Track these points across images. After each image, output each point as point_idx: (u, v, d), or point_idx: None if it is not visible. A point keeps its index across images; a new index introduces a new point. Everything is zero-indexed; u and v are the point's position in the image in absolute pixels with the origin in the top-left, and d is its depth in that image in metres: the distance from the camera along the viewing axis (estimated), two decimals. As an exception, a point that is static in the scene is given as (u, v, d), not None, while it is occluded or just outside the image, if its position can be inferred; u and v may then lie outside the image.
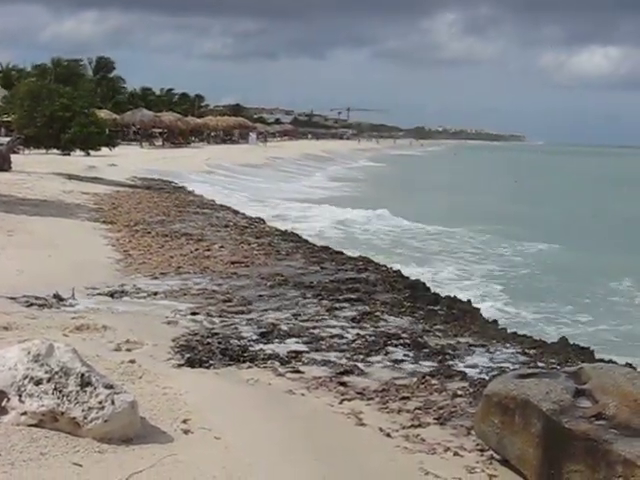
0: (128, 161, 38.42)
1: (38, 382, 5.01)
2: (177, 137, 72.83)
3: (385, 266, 14.32)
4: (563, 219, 34.63)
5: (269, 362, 7.72)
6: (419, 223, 28.53)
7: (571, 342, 9.66)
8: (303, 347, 8.37)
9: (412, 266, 18.29)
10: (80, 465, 4.63)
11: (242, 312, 9.76)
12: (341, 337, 8.87)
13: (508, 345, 9.08)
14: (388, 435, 6.04)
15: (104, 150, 42.22)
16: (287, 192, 39.47)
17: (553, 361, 8.38)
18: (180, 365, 7.31)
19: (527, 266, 21.28)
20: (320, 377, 7.36)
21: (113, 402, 5.01)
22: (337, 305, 10.37)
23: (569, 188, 58.18)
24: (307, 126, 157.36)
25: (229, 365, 7.54)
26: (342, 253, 15.69)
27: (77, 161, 35.97)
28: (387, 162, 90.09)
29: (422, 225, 28.19)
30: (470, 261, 21.61)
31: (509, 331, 10.22)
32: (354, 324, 9.48)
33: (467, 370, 7.84)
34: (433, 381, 7.37)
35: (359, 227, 27.40)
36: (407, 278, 13.19)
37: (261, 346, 8.25)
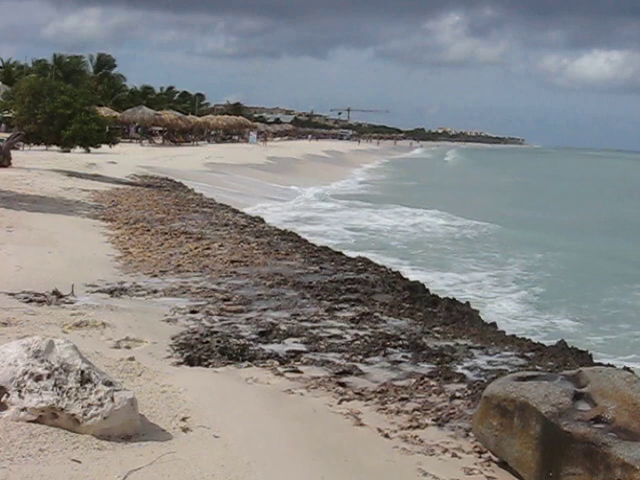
0: (128, 159, 38.45)
1: (38, 378, 5.01)
2: (177, 135, 72.82)
3: (384, 267, 14.31)
4: (576, 223, 36.73)
5: (268, 361, 7.73)
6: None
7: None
8: (302, 347, 8.37)
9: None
10: (79, 461, 4.64)
11: (241, 311, 9.76)
12: (340, 337, 8.86)
13: (507, 348, 9.08)
14: (386, 436, 6.05)
15: (104, 147, 42.16)
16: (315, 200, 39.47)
17: (551, 364, 8.36)
18: (179, 363, 7.32)
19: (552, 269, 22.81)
20: (319, 377, 7.36)
21: (113, 399, 5.01)
22: (336, 305, 10.37)
23: (575, 192, 59.94)
24: (307, 126, 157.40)
25: (228, 364, 7.54)
26: (341, 253, 15.67)
27: (77, 158, 35.95)
28: (395, 165, 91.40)
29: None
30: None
31: (508, 333, 10.24)
32: (353, 325, 9.47)
33: (466, 372, 7.84)
34: (432, 382, 7.38)
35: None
36: (406, 279, 13.18)
37: (260, 345, 8.25)
